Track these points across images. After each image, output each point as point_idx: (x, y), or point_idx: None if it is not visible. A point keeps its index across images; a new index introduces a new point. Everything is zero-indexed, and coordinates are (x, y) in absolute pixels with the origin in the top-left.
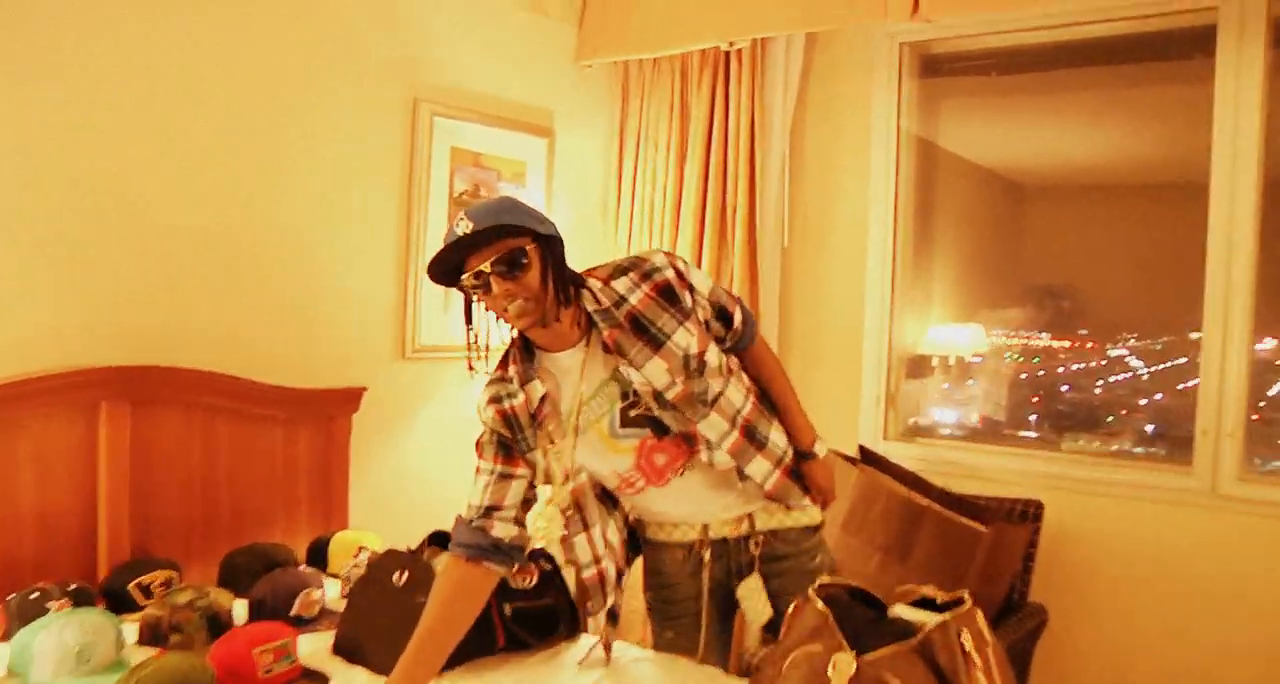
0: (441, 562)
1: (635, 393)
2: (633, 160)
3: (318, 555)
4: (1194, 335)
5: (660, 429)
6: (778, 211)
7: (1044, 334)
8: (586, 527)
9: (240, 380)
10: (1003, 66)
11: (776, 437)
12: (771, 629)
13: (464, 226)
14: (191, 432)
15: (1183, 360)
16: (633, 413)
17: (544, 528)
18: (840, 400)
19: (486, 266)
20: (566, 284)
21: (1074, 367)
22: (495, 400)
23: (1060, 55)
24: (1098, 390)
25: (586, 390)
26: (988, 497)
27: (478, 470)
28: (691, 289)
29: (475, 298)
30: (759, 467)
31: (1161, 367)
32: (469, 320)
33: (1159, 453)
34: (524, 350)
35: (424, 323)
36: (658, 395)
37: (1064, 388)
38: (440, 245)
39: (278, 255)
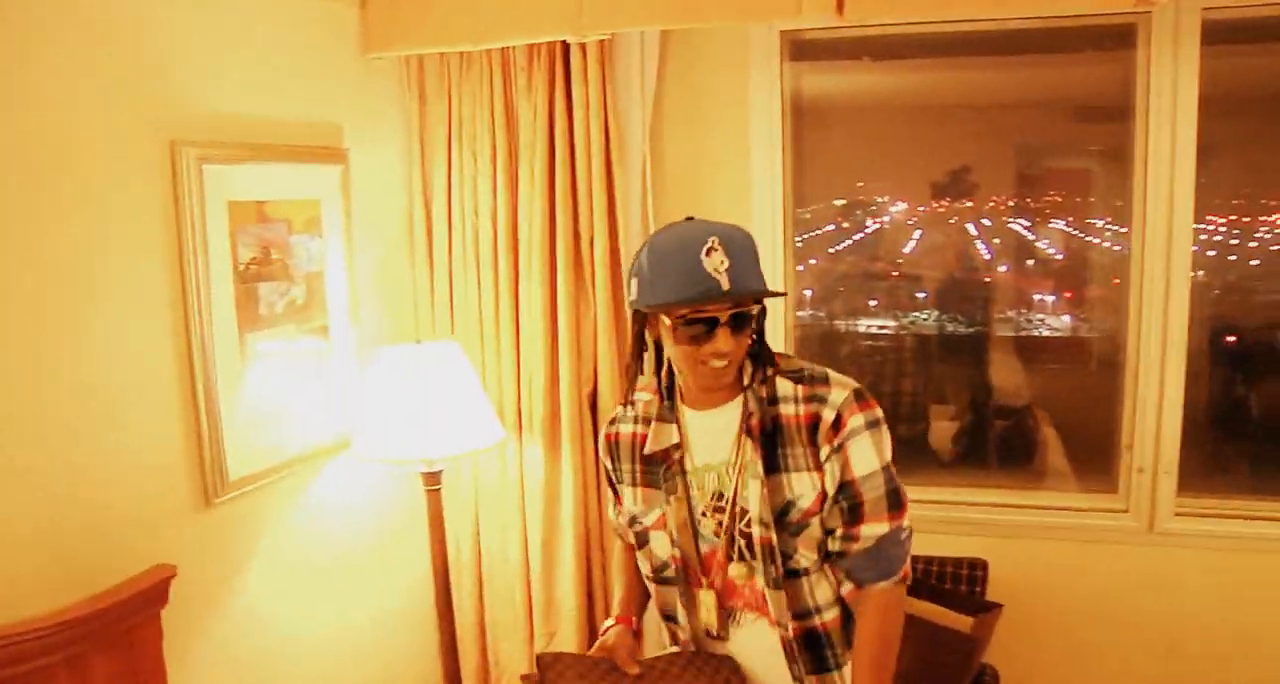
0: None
1: (724, 502)
2: (444, 180)
3: None
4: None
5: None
6: (642, 236)
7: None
8: None
9: None
10: (879, 52)
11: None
12: None
13: (721, 266)
14: None
15: None
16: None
17: (705, 617)
18: None
19: (724, 317)
20: (770, 357)
21: None
22: (611, 422)
23: (953, 44)
24: None
25: (709, 459)
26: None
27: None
28: (839, 447)
29: (665, 331)
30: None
31: None
32: (641, 349)
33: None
34: (669, 390)
35: (233, 445)
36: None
37: None
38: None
39: None
